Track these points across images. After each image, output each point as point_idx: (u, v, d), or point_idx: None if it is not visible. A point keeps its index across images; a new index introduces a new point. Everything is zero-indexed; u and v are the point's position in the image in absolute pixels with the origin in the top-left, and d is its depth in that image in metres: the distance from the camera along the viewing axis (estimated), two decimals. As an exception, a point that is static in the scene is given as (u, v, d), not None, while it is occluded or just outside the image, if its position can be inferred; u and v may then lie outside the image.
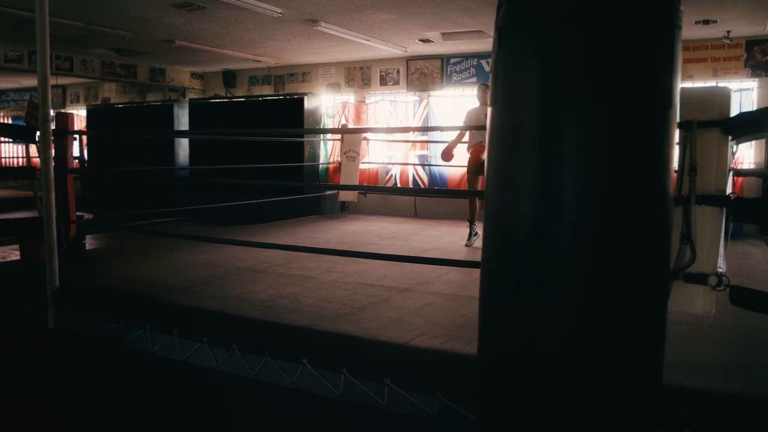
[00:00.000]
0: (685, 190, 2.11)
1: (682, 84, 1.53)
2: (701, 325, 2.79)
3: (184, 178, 11.67)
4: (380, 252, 4.49)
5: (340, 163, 7.98)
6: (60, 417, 3.57)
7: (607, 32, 1.38)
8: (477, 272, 1.67)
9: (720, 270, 2.11)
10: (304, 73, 9.85)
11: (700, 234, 2.11)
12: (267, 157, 7.64)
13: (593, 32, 1.39)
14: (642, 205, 1.44)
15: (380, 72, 9.10)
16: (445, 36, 7.32)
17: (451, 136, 6.04)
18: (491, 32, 1.69)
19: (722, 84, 5.54)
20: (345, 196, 8.24)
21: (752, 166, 6.85)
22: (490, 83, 1.62)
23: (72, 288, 3.63)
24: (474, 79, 8.29)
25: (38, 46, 3.47)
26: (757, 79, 6.87)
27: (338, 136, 8.57)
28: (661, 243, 1.50)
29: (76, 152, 8.47)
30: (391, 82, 9.03)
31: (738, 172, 5.73)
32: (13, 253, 4.86)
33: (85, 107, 11.86)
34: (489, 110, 1.58)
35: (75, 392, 3.52)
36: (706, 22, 6.19)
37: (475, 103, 5.93)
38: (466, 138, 5.90)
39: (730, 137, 2.12)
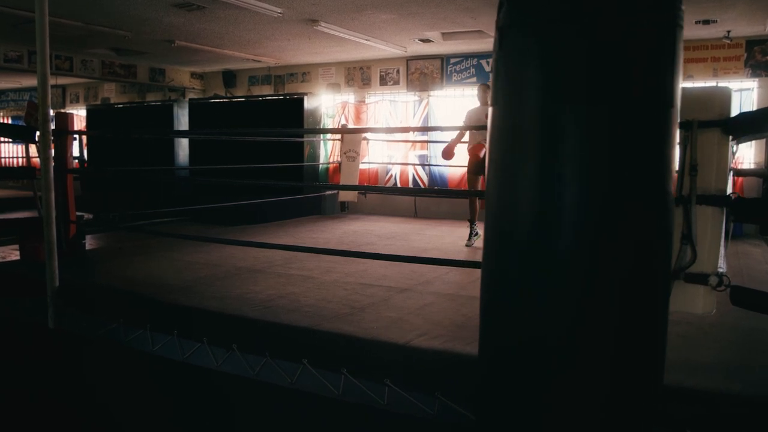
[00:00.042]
0: (685, 190, 2.11)
1: (682, 84, 1.53)
2: (702, 325, 2.79)
3: (184, 178, 11.66)
4: (380, 252, 4.49)
5: (340, 163, 7.98)
6: (60, 417, 3.57)
7: (609, 32, 1.38)
8: (477, 272, 1.67)
9: (720, 270, 2.11)
10: (304, 73, 9.85)
11: (700, 234, 2.11)
12: (267, 157, 7.63)
13: (594, 32, 1.39)
14: (642, 205, 1.44)
15: (380, 72, 9.09)
16: (445, 36, 7.31)
17: (451, 136, 6.04)
18: (491, 32, 1.69)
19: (722, 84, 5.55)
20: (345, 196, 8.24)
21: (752, 166, 6.85)
22: (490, 83, 1.62)
23: (72, 288, 3.62)
24: (474, 79, 8.28)
25: (38, 46, 3.47)
26: (757, 79, 6.87)
27: (338, 136, 8.57)
28: (661, 243, 1.50)
29: (75, 152, 8.50)
30: (391, 82, 9.02)
31: (738, 172, 5.73)
32: (13, 253, 4.85)
33: (84, 107, 11.85)
34: (489, 110, 1.58)
35: (75, 392, 3.52)
36: (706, 22, 6.19)
37: (475, 103, 5.92)
38: (466, 138, 5.90)
39: (730, 137, 2.12)
